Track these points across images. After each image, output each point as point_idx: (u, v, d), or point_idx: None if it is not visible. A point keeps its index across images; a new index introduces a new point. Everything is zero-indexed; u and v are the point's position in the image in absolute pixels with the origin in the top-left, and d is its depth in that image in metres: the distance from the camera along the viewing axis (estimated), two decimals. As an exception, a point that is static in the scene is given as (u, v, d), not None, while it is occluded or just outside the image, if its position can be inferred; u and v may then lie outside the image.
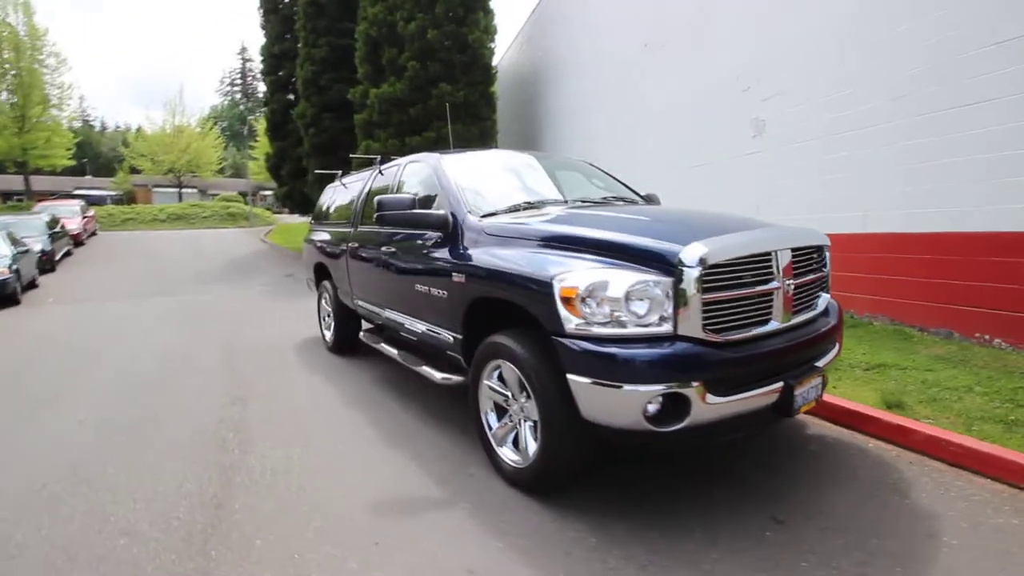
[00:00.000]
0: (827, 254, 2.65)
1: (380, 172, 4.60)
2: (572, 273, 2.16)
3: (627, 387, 2.01)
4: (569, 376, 2.15)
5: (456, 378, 3.13)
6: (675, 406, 2.01)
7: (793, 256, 2.36)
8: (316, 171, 6.45)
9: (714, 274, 2.10)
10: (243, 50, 69.62)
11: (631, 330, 2.06)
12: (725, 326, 2.14)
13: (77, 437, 3.40)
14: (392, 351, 3.81)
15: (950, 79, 4.10)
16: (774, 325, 2.28)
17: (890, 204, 4.59)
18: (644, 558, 2.01)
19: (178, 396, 4.19)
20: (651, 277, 2.06)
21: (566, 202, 3.25)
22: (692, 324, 2.06)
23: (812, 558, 1.97)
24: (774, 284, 2.28)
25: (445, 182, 3.25)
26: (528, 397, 2.45)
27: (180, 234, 23.89)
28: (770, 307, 2.29)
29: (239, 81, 67.54)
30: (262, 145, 38.81)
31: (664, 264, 2.08)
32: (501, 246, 2.65)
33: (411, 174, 3.82)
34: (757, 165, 6.04)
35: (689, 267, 2.05)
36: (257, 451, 3.12)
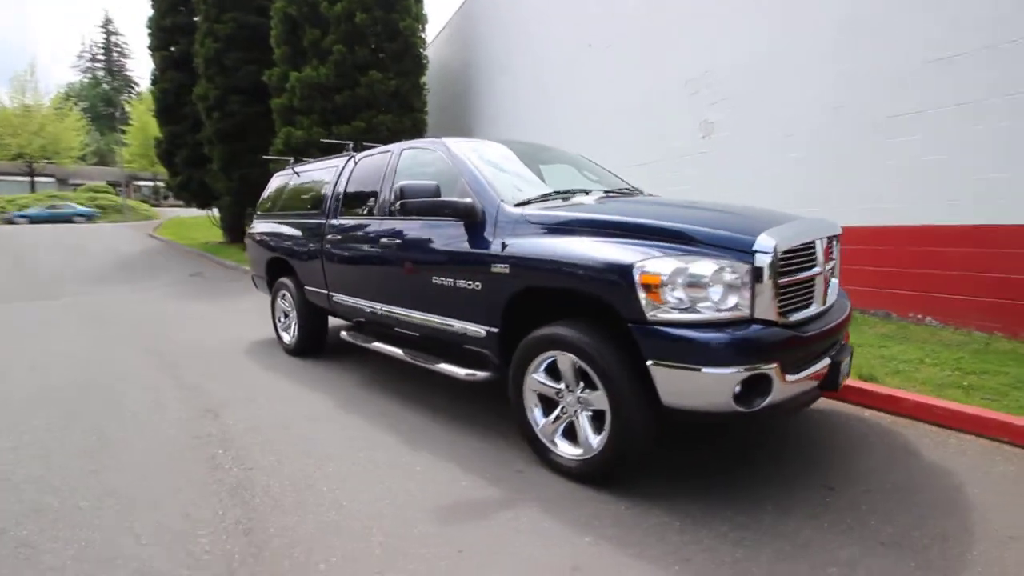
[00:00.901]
0: (838, 243, 2.90)
1: (354, 160, 4.28)
2: (652, 260, 2.16)
3: (716, 370, 2.05)
4: (651, 363, 2.15)
5: (482, 374, 3.01)
6: (759, 386, 2.09)
7: (827, 243, 2.56)
8: (264, 157, 5.83)
9: (781, 260, 2.21)
10: (108, 22, 61.53)
11: (712, 315, 2.11)
12: (787, 309, 2.27)
13: (19, 470, 2.79)
14: (394, 350, 3.57)
15: (882, 95, 4.68)
16: (815, 308, 2.46)
17: (830, 202, 5.13)
18: (735, 534, 2.07)
19: (126, 412, 3.59)
20: (730, 263, 2.12)
21: (591, 192, 3.25)
22: (766, 308, 2.15)
23: (875, 518, 2.15)
24: (817, 270, 2.45)
25: (466, 168, 3.10)
26: (588, 388, 2.41)
27: (42, 229, 20.51)
28: (812, 291, 2.46)
29: (102, 56, 59.44)
30: (139, 129, 34.52)
31: (740, 251, 2.15)
32: (552, 235, 2.58)
33: (412, 161, 3.59)
34: (704, 164, 6.47)
35: (764, 253, 2.14)
36: (261, 466, 2.77)
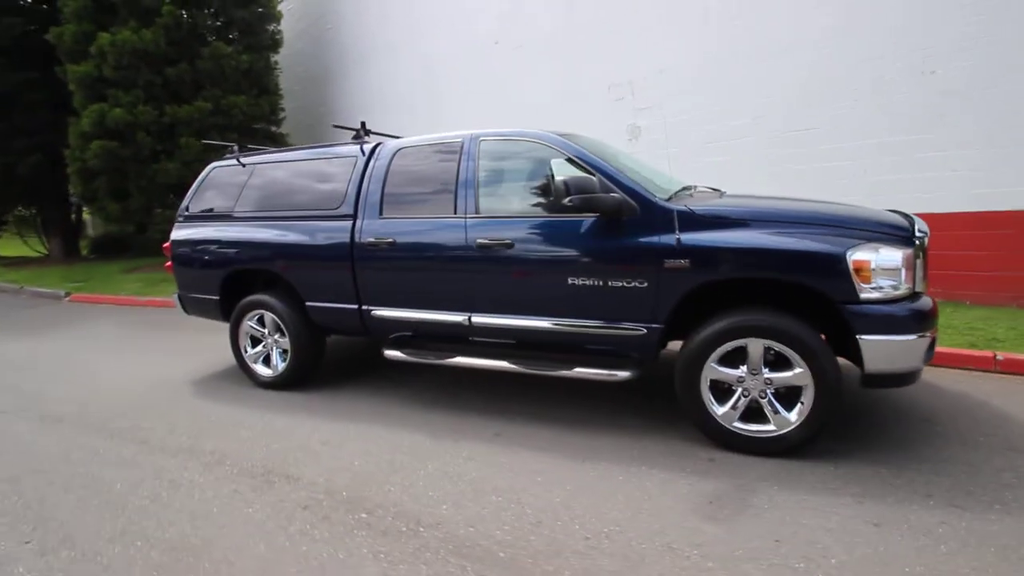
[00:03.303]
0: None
1: (387, 152, 3.64)
2: (859, 248, 2.47)
3: (915, 336, 2.47)
4: (863, 336, 2.47)
5: (622, 374, 2.97)
6: (932, 345, 2.59)
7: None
8: (204, 141, 4.43)
9: (918, 244, 2.75)
10: None
11: (899, 291, 2.52)
12: (920, 283, 2.82)
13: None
14: (499, 364, 3.22)
15: (789, 113, 5.86)
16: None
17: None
18: (928, 467, 2.52)
19: (144, 504, 2.58)
20: (906, 248, 2.55)
21: (692, 188, 3.45)
22: (920, 282, 2.65)
23: (980, 435, 2.85)
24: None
25: (599, 164, 2.98)
26: (775, 369, 2.64)
27: None
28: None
29: None
30: None
31: (906, 238, 2.60)
32: (727, 229, 2.70)
33: (499, 154, 3.29)
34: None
35: (920, 238, 2.64)
36: (445, 519, 2.31)
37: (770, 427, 2.70)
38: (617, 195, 2.85)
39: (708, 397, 2.78)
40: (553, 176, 4.02)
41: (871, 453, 2.70)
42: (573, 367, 3.07)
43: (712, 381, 2.77)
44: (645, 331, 2.87)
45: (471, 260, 3.21)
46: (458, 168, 3.33)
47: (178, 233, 4.35)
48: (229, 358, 4.66)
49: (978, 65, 4.90)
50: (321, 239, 3.69)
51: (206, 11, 9.24)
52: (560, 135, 3.22)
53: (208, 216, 4.24)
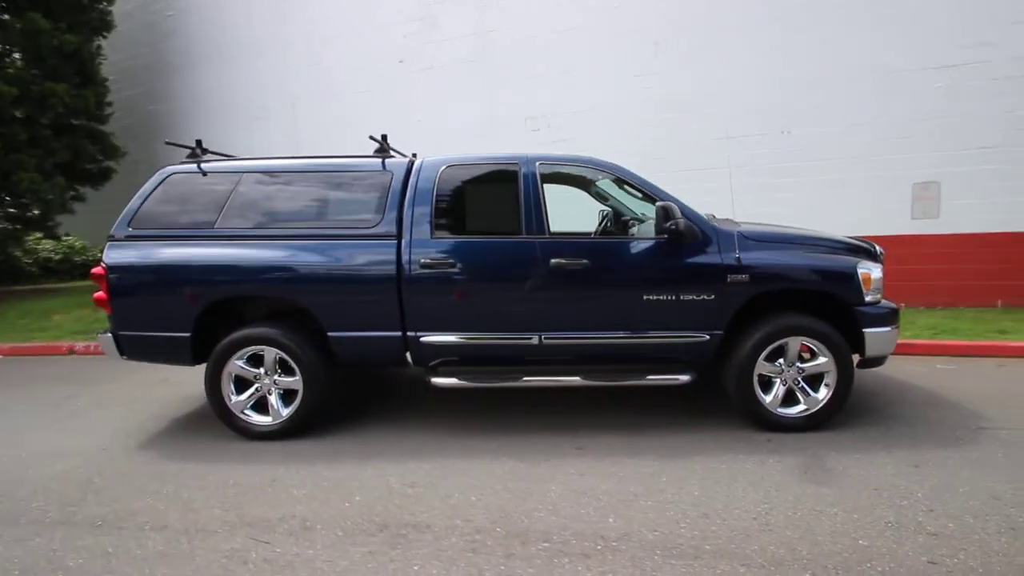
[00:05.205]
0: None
1: (431, 169, 3.47)
2: (861, 264, 3.30)
3: (895, 328, 3.38)
4: (867, 330, 3.28)
5: (684, 378, 3.39)
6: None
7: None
8: (167, 142, 3.29)
9: (871, 261, 3.73)
10: None
11: (878, 296, 3.42)
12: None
13: None
14: (571, 379, 3.32)
15: (685, 155, 7.10)
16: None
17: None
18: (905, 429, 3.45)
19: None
20: (880, 263, 3.48)
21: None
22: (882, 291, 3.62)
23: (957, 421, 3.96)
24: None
25: (663, 193, 3.36)
26: (805, 361, 3.33)
27: None
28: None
29: None
30: None
31: (876, 256, 3.54)
32: (769, 249, 3.32)
33: (561, 178, 3.43)
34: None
35: (881, 257, 3.61)
36: (628, 527, 2.39)
37: (801, 407, 3.35)
38: (687, 220, 3.27)
39: (758, 390, 3.33)
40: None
41: (860, 419, 3.54)
42: (643, 376, 3.36)
43: (759, 375, 3.34)
44: (708, 338, 3.32)
45: (545, 280, 3.27)
46: (520, 189, 3.37)
47: (119, 255, 3.39)
48: (158, 411, 3.84)
49: (815, 130, 6.68)
50: (356, 260, 3.33)
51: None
52: (612, 164, 3.52)
53: (170, 234, 3.41)
